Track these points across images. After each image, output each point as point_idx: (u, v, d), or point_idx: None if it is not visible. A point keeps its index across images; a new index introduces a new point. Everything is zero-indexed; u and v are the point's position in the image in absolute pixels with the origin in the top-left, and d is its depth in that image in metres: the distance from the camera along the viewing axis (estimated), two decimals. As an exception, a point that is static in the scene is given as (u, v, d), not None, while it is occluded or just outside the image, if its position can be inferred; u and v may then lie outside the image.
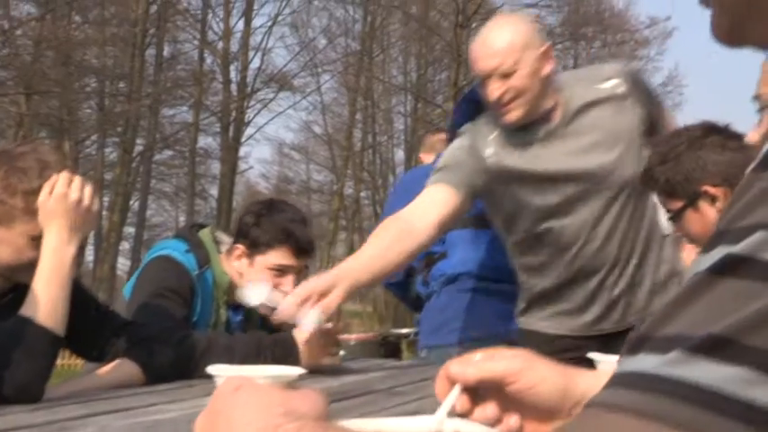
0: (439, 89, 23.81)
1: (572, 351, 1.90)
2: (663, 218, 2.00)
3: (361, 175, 23.43)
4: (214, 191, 21.79)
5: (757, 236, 0.35)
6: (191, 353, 1.77)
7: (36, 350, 1.39)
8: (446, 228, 2.01)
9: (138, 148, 19.74)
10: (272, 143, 34.95)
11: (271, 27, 21.72)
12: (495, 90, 1.88)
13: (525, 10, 21.35)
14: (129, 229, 20.60)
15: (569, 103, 1.99)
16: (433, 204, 1.92)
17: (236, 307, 2.09)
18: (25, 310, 1.41)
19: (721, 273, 0.35)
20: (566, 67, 25.87)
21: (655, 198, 2.01)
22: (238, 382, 0.61)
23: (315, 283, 1.73)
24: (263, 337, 1.88)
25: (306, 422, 0.45)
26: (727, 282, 0.35)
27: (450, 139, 2.10)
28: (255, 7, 21.19)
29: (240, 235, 2.08)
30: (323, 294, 1.71)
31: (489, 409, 0.73)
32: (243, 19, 21.11)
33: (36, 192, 1.52)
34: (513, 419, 0.73)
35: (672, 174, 1.73)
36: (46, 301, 1.42)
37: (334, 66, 23.30)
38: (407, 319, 23.02)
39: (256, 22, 23.59)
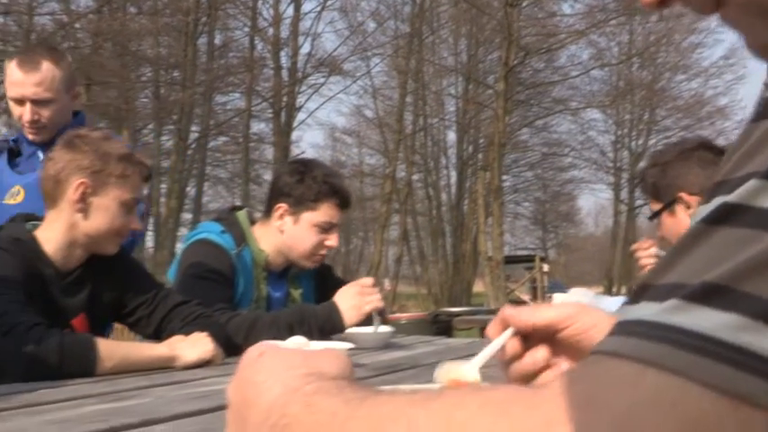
0: (490, 69, 23.56)
1: None
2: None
3: (413, 157, 23.39)
4: (268, 176, 22.06)
5: (750, 183, 0.36)
6: (239, 329, 1.85)
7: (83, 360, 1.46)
8: None
9: (193, 136, 20.11)
10: (324, 128, 35.25)
11: (320, 12, 21.86)
12: None
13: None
14: (187, 215, 21.06)
15: None
16: None
17: (276, 284, 2.16)
18: (101, 341, 1.49)
19: (716, 222, 0.36)
20: (620, 44, 25.27)
21: None
22: (262, 348, 0.64)
23: None
24: (305, 308, 1.95)
25: (325, 382, 0.47)
26: (722, 230, 0.36)
27: None
28: (305, -7, 21.30)
29: (281, 194, 2.10)
30: None
31: (540, 353, 0.74)
32: (292, 5, 21.27)
33: (128, 157, 1.64)
34: (564, 364, 0.74)
35: (658, 178, 1.94)
36: (119, 351, 1.51)
37: (384, 49, 23.28)
38: (462, 299, 22.99)
39: (306, 7, 23.77)
